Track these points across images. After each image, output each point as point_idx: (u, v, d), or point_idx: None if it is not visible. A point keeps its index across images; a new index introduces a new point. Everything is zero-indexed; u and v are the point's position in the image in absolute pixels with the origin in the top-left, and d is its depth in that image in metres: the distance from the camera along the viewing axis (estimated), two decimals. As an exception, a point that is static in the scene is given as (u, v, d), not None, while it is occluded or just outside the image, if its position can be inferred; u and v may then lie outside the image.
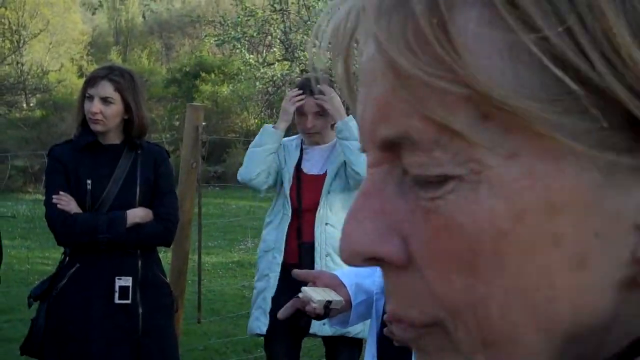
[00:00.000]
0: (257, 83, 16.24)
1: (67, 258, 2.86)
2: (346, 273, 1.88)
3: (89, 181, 2.81)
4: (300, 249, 3.20)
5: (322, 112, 3.22)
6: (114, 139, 2.90)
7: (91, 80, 2.84)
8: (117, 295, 2.79)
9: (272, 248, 3.25)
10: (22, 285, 6.52)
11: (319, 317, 1.75)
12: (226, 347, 5.48)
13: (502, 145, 0.35)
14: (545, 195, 0.35)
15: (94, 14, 44.75)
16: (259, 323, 3.22)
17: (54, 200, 2.75)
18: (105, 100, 2.81)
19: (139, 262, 2.85)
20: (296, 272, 1.91)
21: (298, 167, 3.31)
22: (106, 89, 2.81)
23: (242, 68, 14.67)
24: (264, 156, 3.24)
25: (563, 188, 0.35)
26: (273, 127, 3.32)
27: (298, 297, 1.76)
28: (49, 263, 7.37)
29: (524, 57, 0.34)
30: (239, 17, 14.93)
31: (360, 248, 0.40)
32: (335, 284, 1.80)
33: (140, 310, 2.84)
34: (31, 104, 26.00)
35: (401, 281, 0.40)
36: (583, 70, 0.33)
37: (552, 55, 0.33)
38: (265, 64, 16.48)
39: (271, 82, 16.20)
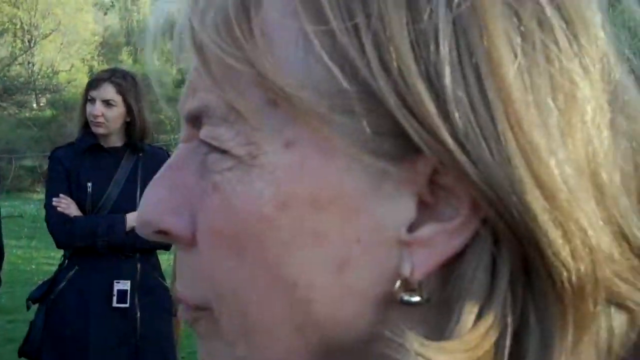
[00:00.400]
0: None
1: (67, 261, 2.85)
2: None
3: (89, 184, 2.80)
4: None
5: None
6: (116, 141, 2.89)
7: (93, 83, 2.83)
8: (115, 298, 2.78)
9: None
10: (27, 286, 6.48)
11: None
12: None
13: (283, 133, 0.35)
14: (311, 189, 0.35)
15: (105, 14, 45.01)
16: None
17: (54, 203, 2.75)
18: (107, 103, 2.80)
19: (138, 266, 2.84)
20: None
21: None
22: (108, 91, 2.81)
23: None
24: None
25: (329, 186, 0.35)
26: None
27: None
28: (54, 264, 7.31)
29: (316, 49, 0.34)
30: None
31: (150, 218, 0.40)
32: None
33: (138, 314, 2.82)
34: (41, 104, 26.14)
35: (185, 259, 0.40)
36: (361, 71, 0.33)
37: (336, 50, 0.34)
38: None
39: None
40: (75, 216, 2.74)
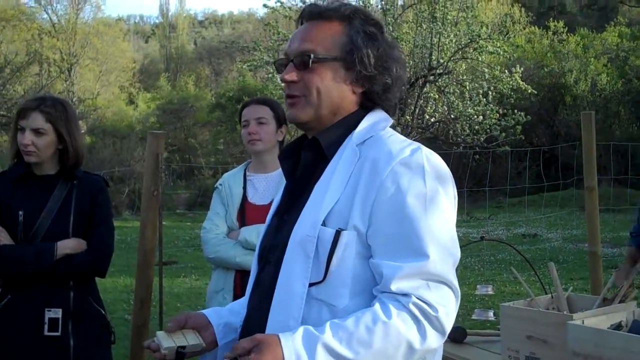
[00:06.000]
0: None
1: (1, 289, 2.85)
2: (218, 311, 1.82)
3: (20, 212, 2.80)
4: None
5: (264, 121, 3.16)
6: (49, 169, 2.89)
7: (22, 112, 2.84)
8: (46, 327, 2.76)
9: (222, 289, 3.13)
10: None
11: None
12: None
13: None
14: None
15: (147, 41, 45.93)
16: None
17: (-16, 232, 2.76)
18: (37, 132, 2.81)
19: (71, 293, 2.82)
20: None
21: (244, 196, 3.21)
22: (37, 120, 2.82)
23: (274, 92, 14.74)
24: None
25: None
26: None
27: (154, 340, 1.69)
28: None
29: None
30: (271, 42, 15.07)
31: None
32: (203, 324, 1.75)
33: (72, 343, 2.80)
34: (82, 130, 26.76)
35: None
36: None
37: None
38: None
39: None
40: (3, 245, 2.75)
